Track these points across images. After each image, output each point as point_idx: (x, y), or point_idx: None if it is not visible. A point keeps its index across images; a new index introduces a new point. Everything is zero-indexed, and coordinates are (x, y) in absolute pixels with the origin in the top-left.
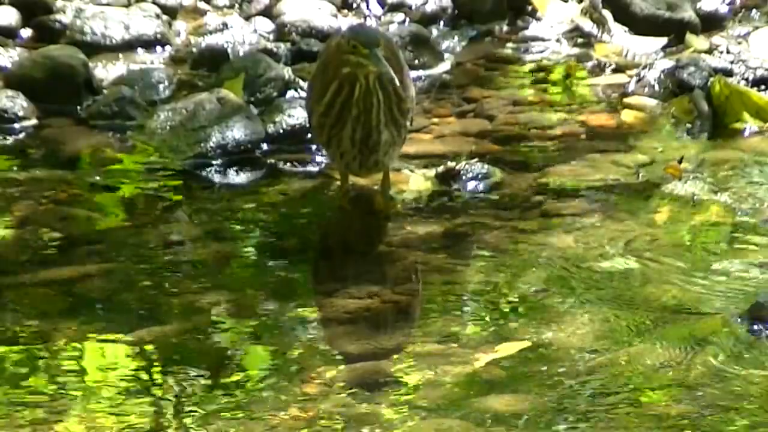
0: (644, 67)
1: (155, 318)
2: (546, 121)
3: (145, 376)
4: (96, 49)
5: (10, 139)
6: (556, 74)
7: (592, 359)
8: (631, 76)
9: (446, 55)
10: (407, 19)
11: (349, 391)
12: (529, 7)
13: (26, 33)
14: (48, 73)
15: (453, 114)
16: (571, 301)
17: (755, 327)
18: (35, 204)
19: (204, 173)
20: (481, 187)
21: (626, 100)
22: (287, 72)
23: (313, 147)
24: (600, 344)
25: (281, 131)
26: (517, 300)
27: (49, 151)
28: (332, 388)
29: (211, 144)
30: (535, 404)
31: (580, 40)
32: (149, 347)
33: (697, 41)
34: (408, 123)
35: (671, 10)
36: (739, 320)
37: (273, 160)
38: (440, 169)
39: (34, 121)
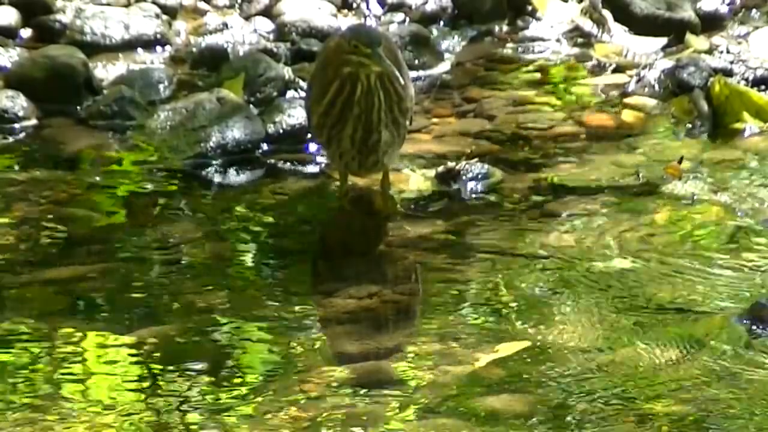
0: (644, 67)
1: (155, 318)
2: (546, 121)
3: (145, 376)
4: (96, 49)
5: (10, 139)
6: (556, 74)
7: (592, 359)
8: (631, 76)
9: (446, 55)
10: (407, 19)
11: (349, 391)
12: (529, 7)
13: (26, 33)
14: (48, 73)
15: (453, 114)
16: (571, 301)
17: (755, 327)
18: (35, 204)
19: (204, 173)
20: (481, 187)
21: (626, 99)
22: (287, 72)
23: (313, 147)
24: (600, 344)
25: (281, 131)
26: (517, 300)
27: (49, 151)
28: (332, 388)
29: (211, 144)
30: (535, 404)
31: (580, 40)
32: (149, 347)
33: (697, 41)
34: (407, 123)
35: (671, 10)
36: (739, 320)
37: (273, 160)
38: (440, 169)
39: (34, 121)
